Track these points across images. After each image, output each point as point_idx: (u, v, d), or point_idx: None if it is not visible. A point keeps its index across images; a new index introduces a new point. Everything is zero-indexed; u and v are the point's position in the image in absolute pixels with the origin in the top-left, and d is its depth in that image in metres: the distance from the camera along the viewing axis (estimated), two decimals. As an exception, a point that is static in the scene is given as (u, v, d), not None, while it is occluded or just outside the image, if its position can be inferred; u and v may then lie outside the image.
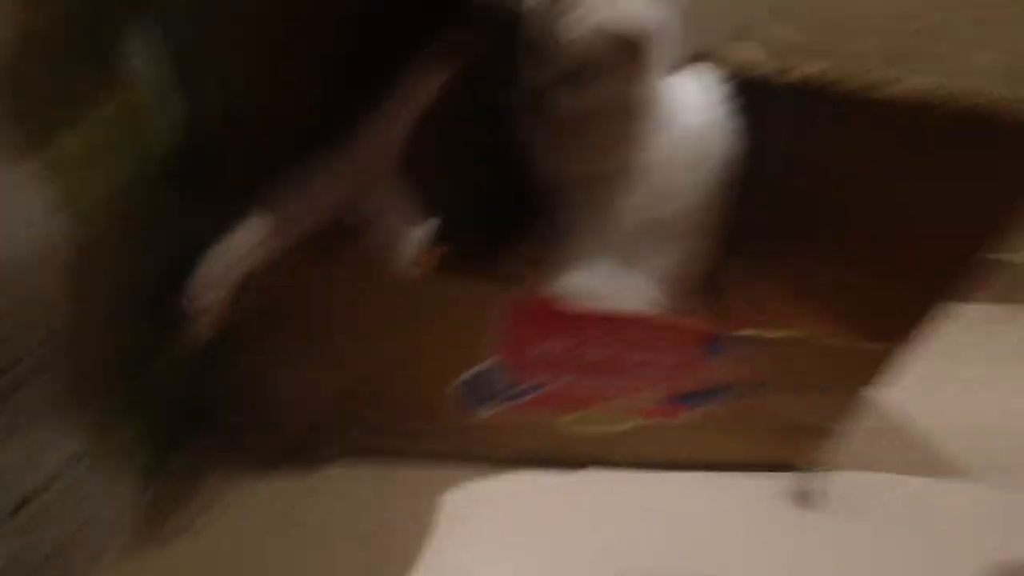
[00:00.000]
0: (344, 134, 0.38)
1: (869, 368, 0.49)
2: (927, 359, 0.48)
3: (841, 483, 0.53)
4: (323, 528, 0.40)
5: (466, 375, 0.41)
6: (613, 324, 0.42)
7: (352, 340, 0.38)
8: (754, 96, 0.53)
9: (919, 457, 0.62)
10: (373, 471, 0.43)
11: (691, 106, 0.51)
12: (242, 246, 0.33)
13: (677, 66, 0.46)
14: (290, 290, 0.35)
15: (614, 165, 0.50)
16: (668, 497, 0.48)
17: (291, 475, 0.42)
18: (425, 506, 0.42)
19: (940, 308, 0.45)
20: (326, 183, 0.37)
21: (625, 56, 0.40)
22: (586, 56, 0.40)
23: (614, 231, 0.52)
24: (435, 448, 0.45)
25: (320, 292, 0.36)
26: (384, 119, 0.38)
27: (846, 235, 0.55)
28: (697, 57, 0.53)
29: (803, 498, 0.51)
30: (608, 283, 0.50)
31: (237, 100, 0.33)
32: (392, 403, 0.42)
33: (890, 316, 0.47)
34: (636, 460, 0.49)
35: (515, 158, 0.51)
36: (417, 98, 0.38)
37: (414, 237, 0.40)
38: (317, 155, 0.37)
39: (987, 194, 0.42)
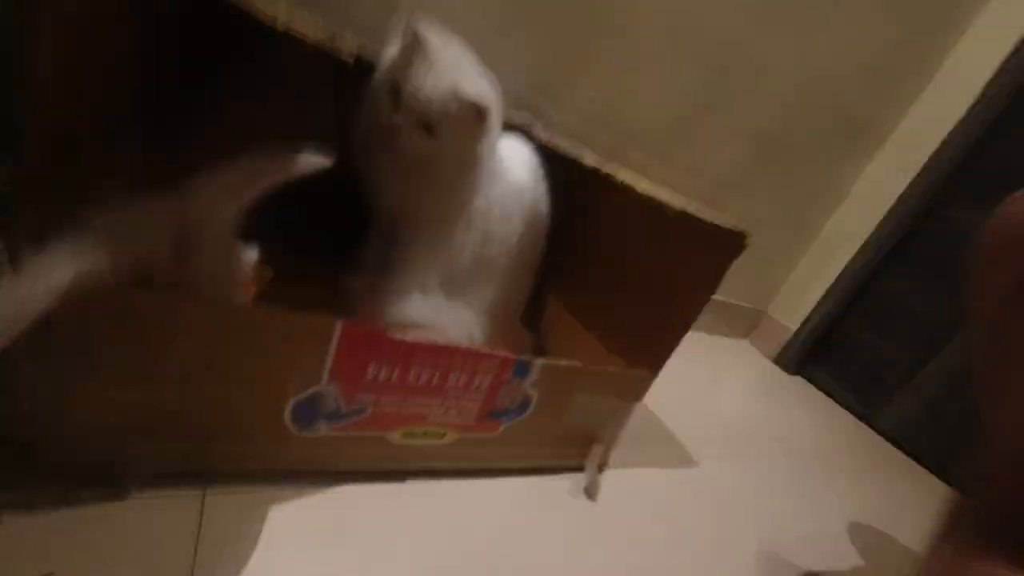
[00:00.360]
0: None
1: (633, 386, 0.65)
2: (670, 376, 0.65)
3: (615, 478, 0.67)
4: (138, 555, 0.37)
5: (300, 397, 0.43)
6: (438, 351, 0.48)
7: (176, 364, 0.38)
8: (557, 168, 0.69)
9: (668, 452, 0.81)
10: (191, 493, 0.42)
11: (515, 165, 0.64)
12: (49, 277, 0.31)
13: (502, 134, 0.58)
14: (104, 313, 0.34)
15: (449, 208, 0.58)
16: (482, 500, 0.56)
17: (99, 500, 0.38)
18: (249, 524, 0.42)
19: (679, 339, 0.62)
20: (149, 219, 0.37)
21: (473, 118, 0.50)
22: (441, 112, 0.48)
23: (444, 267, 0.60)
24: (264, 467, 0.46)
25: (141, 315, 0.36)
26: (224, 187, 0.40)
27: (615, 284, 0.75)
28: (516, 128, 0.68)
29: (589, 492, 0.63)
30: (436, 314, 0.59)
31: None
32: (220, 425, 0.42)
33: (646, 347, 0.64)
34: (457, 470, 0.57)
35: (354, 192, 0.57)
36: (260, 184, 0.41)
37: (242, 261, 0.44)
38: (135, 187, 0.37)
39: (701, 259, 0.62)
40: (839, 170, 1.33)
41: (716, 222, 0.58)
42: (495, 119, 0.54)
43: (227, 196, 0.40)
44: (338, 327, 0.41)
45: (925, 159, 1.22)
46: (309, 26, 0.46)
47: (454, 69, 0.50)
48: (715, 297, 0.65)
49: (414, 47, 0.50)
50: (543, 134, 0.73)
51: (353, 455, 0.49)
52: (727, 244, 0.58)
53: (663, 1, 0.89)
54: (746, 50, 1.02)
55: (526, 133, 0.71)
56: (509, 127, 0.61)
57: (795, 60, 1.06)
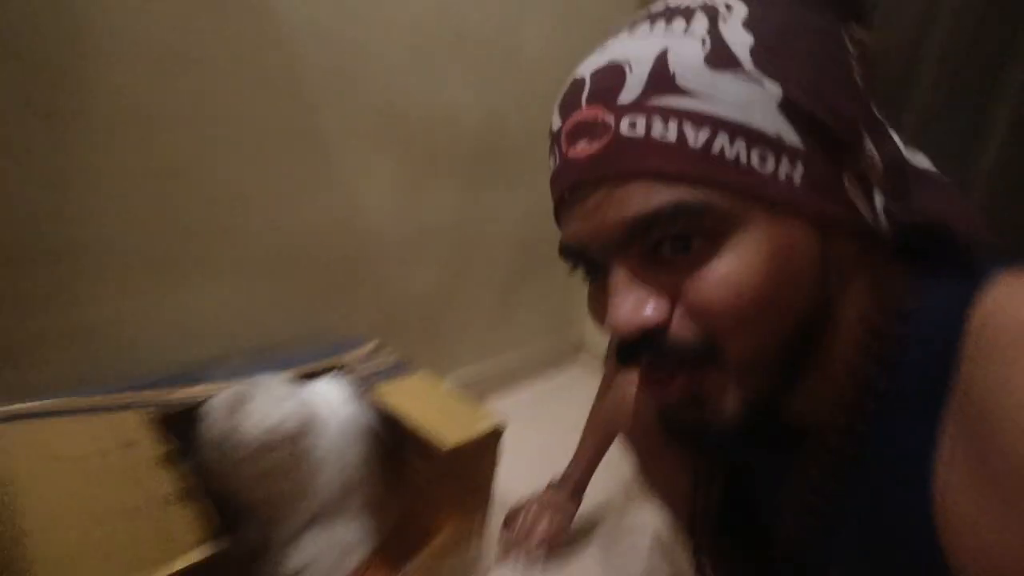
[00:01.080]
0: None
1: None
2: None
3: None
4: None
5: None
6: None
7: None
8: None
9: None
10: None
11: (334, 406, 0.79)
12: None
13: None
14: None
15: (285, 489, 0.71)
16: None
17: None
18: None
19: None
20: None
21: (289, 443, 0.67)
22: (266, 441, 0.64)
23: (307, 513, 0.75)
24: None
25: None
26: None
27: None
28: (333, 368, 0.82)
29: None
30: (324, 547, 0.76)
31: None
32: None
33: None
34: None
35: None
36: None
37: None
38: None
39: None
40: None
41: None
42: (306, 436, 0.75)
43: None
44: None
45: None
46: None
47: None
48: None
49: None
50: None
51: None
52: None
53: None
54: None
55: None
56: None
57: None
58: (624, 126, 0.28)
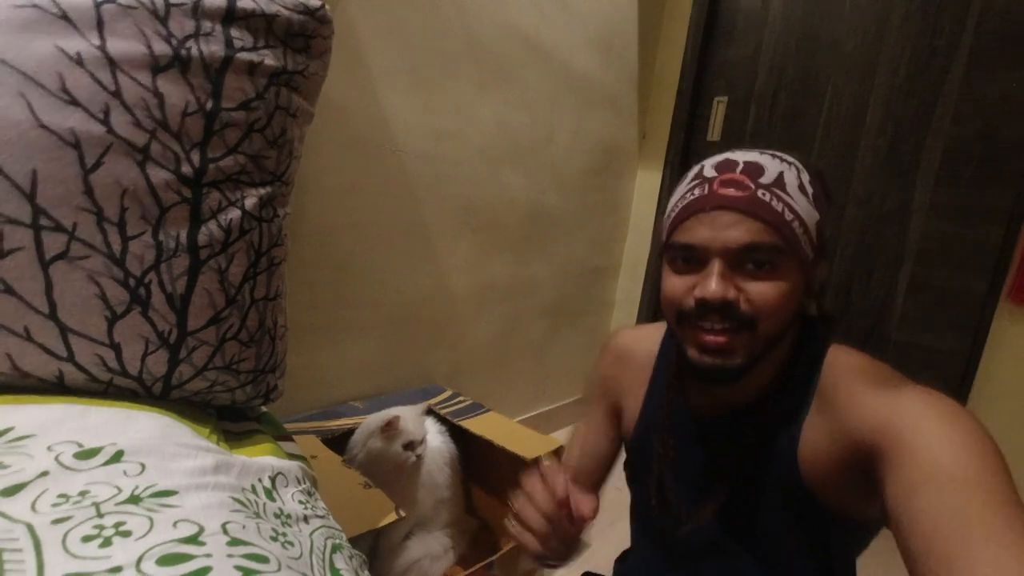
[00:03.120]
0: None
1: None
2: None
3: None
4: None
5: None
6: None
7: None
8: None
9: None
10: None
11: (433, 433, 1.05)
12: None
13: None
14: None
15: (399, 482, 0.94)
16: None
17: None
18: None
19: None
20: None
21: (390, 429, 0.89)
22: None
23: (415, 515, 0.99)
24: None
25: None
26: None
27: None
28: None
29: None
30: (420, 554, 0.98)
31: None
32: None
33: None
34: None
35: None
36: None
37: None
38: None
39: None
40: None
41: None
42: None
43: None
44: None
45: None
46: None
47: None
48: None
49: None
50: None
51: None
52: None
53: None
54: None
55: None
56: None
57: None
58: (759, 192, 0.49)
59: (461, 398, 1.23)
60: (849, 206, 1.54)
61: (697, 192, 0.51)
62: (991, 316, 1.33)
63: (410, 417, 0.92)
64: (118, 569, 0.28)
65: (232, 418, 0.55)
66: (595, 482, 0.71)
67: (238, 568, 0.30)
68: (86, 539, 0.29)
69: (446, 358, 1.37)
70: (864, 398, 0.47)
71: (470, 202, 1.31)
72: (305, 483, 0.50)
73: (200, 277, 0.43)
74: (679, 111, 1.82)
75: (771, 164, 0.51)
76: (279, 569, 0.32)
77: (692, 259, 0.51)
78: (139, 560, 0.28)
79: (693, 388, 0.61)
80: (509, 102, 1.34)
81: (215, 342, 0.46)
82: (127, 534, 0.30)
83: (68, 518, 0.29)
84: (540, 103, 1.43)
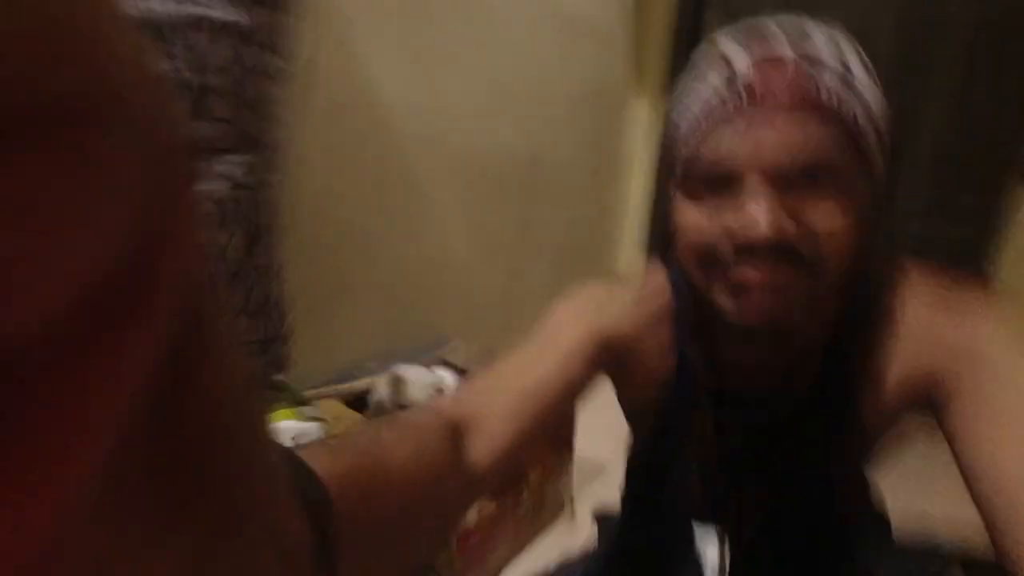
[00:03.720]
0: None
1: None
2: None
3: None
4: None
5: None
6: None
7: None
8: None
9: None
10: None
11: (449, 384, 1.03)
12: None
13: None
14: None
15: None
16: None
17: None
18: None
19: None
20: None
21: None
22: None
23: None
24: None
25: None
26: None
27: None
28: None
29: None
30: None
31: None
32: None
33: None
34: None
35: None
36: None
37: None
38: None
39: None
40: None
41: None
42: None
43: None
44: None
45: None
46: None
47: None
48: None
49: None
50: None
51: None
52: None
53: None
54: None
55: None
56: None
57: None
58: (820, 79, 0.34)
59: (474, 348, 1.25)
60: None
61: (726, 89, 0.35)
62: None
63: (415, 380, 0.94)
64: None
65: (249, 388, 0.56)
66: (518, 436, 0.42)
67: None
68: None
69: (455, 311, 1.38)
70: (943, 327, 0.39)
71: (464, 154, 1.27)
72: (327, 443, 0.52)
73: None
74: (677, 44, 1.73)
75: (822, 36, 0.35)
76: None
77: (722, 182, 0.36)
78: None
79: (726, 347, 0.45)
80: (496, 46, 1.28)
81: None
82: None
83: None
84: (528, 44, 1.36)
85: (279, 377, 0.60)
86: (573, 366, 0.43)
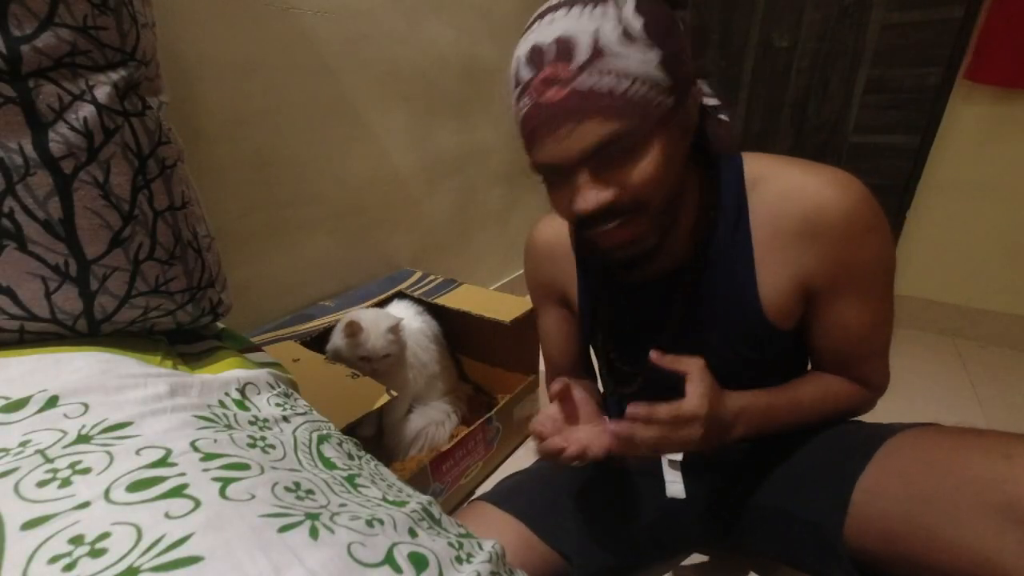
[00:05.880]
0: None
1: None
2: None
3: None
4: None
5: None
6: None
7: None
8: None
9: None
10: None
11: (408, 321, 1.05)
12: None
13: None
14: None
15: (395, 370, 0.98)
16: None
17: None
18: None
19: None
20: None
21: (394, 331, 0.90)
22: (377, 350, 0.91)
23: (410, 392, 1.05)
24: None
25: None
26: None
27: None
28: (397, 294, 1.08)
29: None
30: (424, 423, 1.06)
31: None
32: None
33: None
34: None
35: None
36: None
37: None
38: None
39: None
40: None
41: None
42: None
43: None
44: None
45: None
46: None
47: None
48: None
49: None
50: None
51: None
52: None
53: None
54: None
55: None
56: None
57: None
58: (580, 79, 0.42)
59: (432, 277, 1.22)
60: (808, 8, 1.42)
61: (525, 104, 0.46)
62: (943, 109, 1.32)
63: (372, 328, 0.91)
64: (86, 504, 0.27)
65: (187, 340, 0.52)
66: (586, 361, 0.78)
67: (216, 479, 0.30)
68: (41, 484, 0.27)
69: (407, 241, 1.33)
70: (810, 243, 0.52)
71: (395, 66, 1.15)
72: (280, 387, 0.49)
73: (75, 195, 0.36)
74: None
75: (582, 27, 0.42)
76: (262, 472, 0.32)
77: (559, 173, 0.48)
78: (107, 491, 0.28)
79: (617, 271, 0.62)
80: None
81: (128, 266, 0.41)
82: (86, 471, 0.28)
83: (14, 469, 0.28)
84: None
85: (217, 325, 0.56)
86: (559, 313, 0.75)
